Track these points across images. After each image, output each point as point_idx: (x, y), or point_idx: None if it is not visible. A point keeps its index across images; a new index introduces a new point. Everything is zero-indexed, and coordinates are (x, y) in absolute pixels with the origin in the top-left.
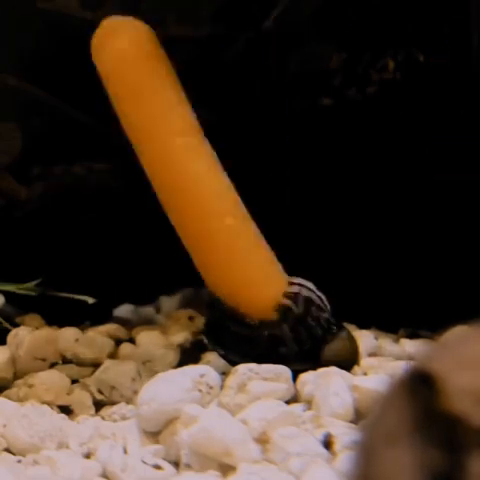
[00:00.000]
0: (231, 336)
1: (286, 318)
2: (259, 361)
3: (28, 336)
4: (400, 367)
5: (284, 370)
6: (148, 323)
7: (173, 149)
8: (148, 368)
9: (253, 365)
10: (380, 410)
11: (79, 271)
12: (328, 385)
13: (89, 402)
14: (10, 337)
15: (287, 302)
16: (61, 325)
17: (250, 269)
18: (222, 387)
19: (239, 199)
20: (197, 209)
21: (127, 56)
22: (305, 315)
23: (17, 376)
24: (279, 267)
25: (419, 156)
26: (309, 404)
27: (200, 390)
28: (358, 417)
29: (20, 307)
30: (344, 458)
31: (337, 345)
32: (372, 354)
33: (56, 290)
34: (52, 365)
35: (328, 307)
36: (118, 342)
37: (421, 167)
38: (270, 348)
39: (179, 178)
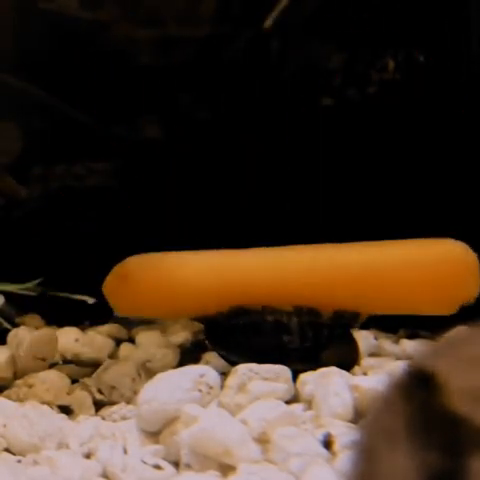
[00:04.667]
0: (234, 332)
1: (299, 314)
2: (262, 352)
3: (28, 336)
4: (400, 367)
5: (284, 370)
6: (148, 323)
7: None
8: (148, 368)
9: (253, 365)
10: (380, 410)
11: (79, 271)
12: (328, 385)
13: (89, 402)
14: (10, 337)
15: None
16: (61, 325)
17: None
18: (222, 387)
19: None
20: None
21: None
22: (316, 318)
23: (17, 376)
24: None
25: (419, 156)
26: (309, 404)
27: (200, 390)
28: (358, 417)
29: (20, 307)
30: (344, 458)
31: (337, 345)
32: (372, 354)
33: (56, 290)
34: (52, 365)
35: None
36: (118, 342)
37: (421, 167)
38: (274, 335)
39: None
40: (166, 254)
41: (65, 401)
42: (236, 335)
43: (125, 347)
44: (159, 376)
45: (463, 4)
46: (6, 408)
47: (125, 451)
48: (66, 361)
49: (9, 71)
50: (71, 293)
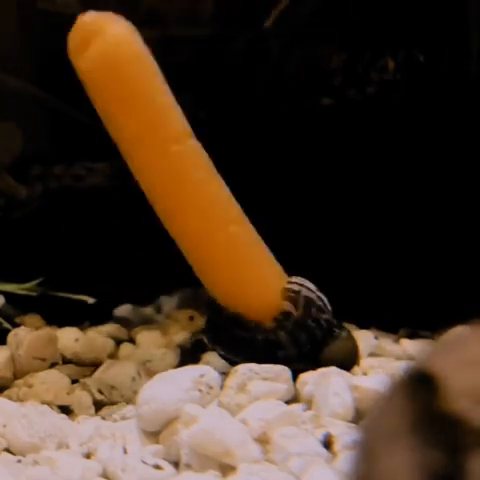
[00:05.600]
0: (231, 337)
1: (284, 325)
2: (258, 362)
3: (28, 336)
4: (400, 367)
5: (284, 370)
6: (148, 323)
7: (169, 156)
8: (148, 368)
9: (253, 365)
10: (380, 410)
11: (79, 271)
12: (328, 385)
13: (89, 402)
14: (10, 337)
15: (287, 307)
16: (61, 325)
17: (250, 273)
18: (222, 387)
19: (238, 205)
20: (199, 218)
21: (112, 58)
22: (305, 317)
23: (17, 376)
24: (279, 269)
25: (419, 156)
26: (309, 404)
27: (200, 390)
28: (358, 417)
29: (20, 307)
30: (344, 458)
31: (337, 345)
32: (372, 354)
33: (56, 290)
34: (52, 365)
35: (329, 307)
36: (118, 342)
37: (421, 166)
38: (267, 351)
39: (178, 187)
40: None
41: (65, 401)
42: (237, 336)
43: (125, 347)
44: (159, 376)
45: (463, 4)
46: (6, 408)
47: (125, 451)
48: (66, 361)
49: (9, 71)
50: (71, 293)
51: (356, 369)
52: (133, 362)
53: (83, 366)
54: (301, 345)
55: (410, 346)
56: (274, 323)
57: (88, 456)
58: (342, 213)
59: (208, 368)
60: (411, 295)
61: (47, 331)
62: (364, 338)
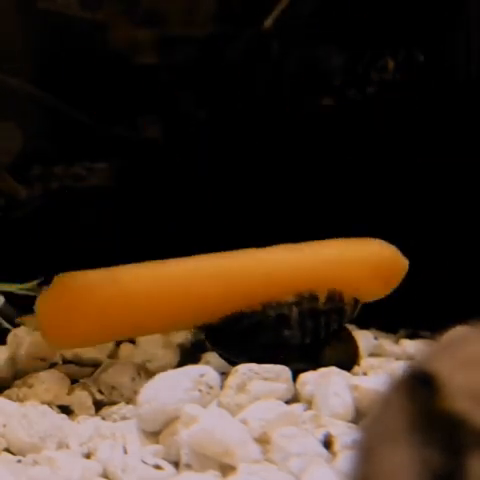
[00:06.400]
0: (235, 333)
1: (300, 303)
2: (262, 350)
3: (28, 336)
4: (400, 367)
5: (284, 370)
6: None
7: None
8: (148, 368)
9: (253, 365)
10: (380, 410)
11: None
12: (328, 385)
13: (89, 402)
14: (10, 337)
15: (315, 295)
16: None
17: None
18: (222, 387)
19: None
20: None
21: None
22: (320, 312)
23: (17, 376)
24: None
25: (419, 156)
26: (309, 404)
27: (200, 390)
28: (358, 417)
29: (20, 307)
30: (344, 458)
31: (337, 345)
32: (372, 354)
33: None
34: (52, 365)
35: (348, 319)
36: (118, 342)
37: (422, 166)
38: (275, 331)
39: None
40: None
41: (65, 401)
42: (237, 336)
43: (125, 347)
44: (159, 376)
45: (463, 4)
46: (6, 408)
47: (125, 451)
48: (66, 361)
49: (9, 71)
50: None
51: (356, 369)
52: (133, 362)
53: (83, 366)
54: (305, 332)
55: (410, 346)
56: (294, 298)
57: (88, 456)
58: (342, 212)
59: (208, 368)
60: (411, 295)
61: None
62: (364, 338)
